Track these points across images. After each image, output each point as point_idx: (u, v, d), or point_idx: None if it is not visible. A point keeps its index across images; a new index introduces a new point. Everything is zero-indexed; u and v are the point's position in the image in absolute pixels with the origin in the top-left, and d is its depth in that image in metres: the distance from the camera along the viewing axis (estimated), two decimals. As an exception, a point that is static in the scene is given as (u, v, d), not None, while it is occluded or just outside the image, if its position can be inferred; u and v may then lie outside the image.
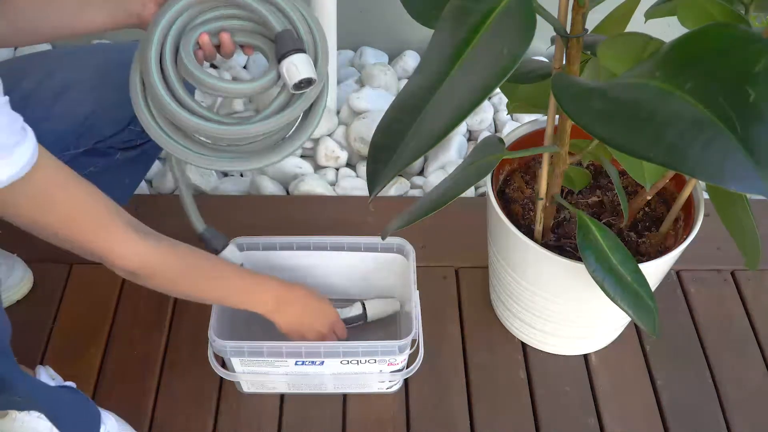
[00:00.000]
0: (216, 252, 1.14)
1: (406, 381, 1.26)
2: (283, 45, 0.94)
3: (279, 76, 0.96)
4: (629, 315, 0.98)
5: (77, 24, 1.05)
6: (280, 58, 0.94)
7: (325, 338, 1.19)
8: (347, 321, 1.24)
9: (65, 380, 1.12)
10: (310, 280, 1.30)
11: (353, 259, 1.28)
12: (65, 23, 1.05)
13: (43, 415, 1.00)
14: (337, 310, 1.22)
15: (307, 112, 1.02)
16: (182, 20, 0.97)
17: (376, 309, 1.27)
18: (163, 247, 1.00)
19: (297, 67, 0.93)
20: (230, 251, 1.15)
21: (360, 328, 1.28)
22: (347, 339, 1.22)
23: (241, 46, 1.02)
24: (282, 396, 1.23)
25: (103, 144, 1.19)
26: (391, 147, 0.79)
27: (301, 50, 0.94)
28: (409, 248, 1.25)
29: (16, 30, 1.05)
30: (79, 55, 1.20)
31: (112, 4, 1.03)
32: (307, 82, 0.95)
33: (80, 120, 1.15)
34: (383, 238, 1.02)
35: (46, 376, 1.09)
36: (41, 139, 1.13)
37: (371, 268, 1.29)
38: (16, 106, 0.90)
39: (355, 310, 1.26)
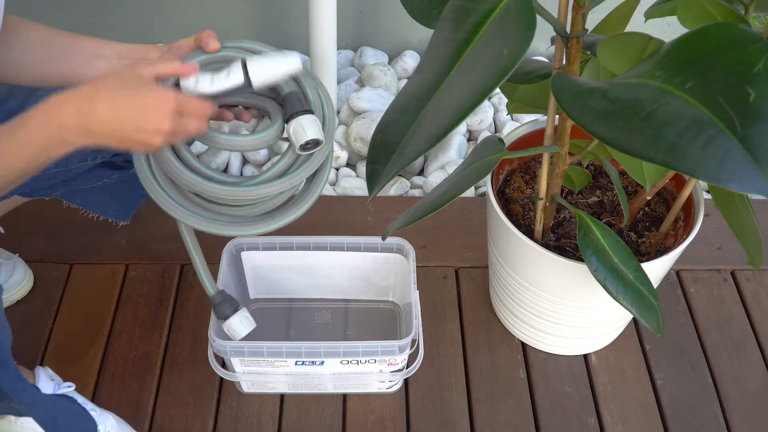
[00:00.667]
0: (224, 318, 1.05)
1: (406, 381, 1.26)
2: (292, 106, 0.94)
3: (282, 130, 0.95)
4: (632, 313, 0.98)
5: (87, 74, 0.99)
6: (287, 119, 0.93)
7: (173, 137, 0.86)
8: (224, 93, 0.92)
9: (65, 380, 1.12)
10: (311, 280, 1.30)
11: (353, 259, 1.28)
12: (74, 70, 1.00)
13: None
14: (198, 78, 0.89)
15: (311, 178, 0.99)
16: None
17: (263, 71, 0.91)
18: None
19: (304, 127, 0.92)
20: (240, 318, 1.05)
21: (359, 329, 1.27)
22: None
23: (246, 108, 1.00)
24: (282, 396, 1.23)
25: (121, 157, 1.19)
26: (391, 147, 0.79)
27: (309, 111, 0.94)
28: (409, 248, 1.25)
29: (22, 66, 0.99)
30: None
31: (127, 61, 1.00)
32: (314, 143, 0.93)
33: None
34: (384, 239, 1.02)
35: (45, 377, 1.09)
36: None
37: (371, 268, 1.29)
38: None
39: (234, 75, 0.91)
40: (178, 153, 0.93)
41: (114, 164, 1.20)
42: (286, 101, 0.94)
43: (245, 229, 0.96)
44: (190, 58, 0.95)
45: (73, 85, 0.84)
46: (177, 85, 0.90)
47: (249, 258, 1.25)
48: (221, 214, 0.97)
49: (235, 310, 1.05)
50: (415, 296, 1.18)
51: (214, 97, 0.91)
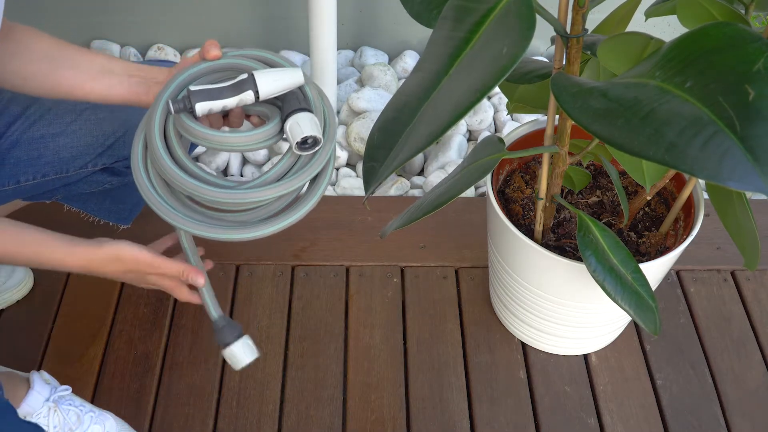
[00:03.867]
0: (225, 345, 1.00)
1: (406, 381, 1.26)
2: (290, 104, 0.92)
3: (281, 128, 0.93)
4: (630, 315, 0.98)
5: (94, 88, 1.01)
6: (285, 117, 0.92)
7: (169, 289, 1.03)
8: (222, 93, 0.91)
9: (65, 381, 1.12)
10: None
11: None
12: (81, 84, 1.01)
13: None
14: (211, 101, 0.91)
15: (312, 180, 0.96)
16: (186, 82, 0.94)
17: (270, 82, 0.92)
18: None
19: (301, 125, 0.90)
20: (243, 345, 1.00)
21: None
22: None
23: (247, 116, 1.00)
24: (282, 396, 1.23)
25: (122, 164, 1.19)
26: (388, 145, 0.79)
27: (308, 110, 0.92)
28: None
29: (26, 75, 1.01)
30: None
31: (136, 79, 1.00)
32: (313, 142, 0.92)
33: (101, 140, 1.14)
34: (382, 238, 1.02)
35: (41, 381, 1.08)
36: (58, 154, 1.13)
37: None
38: (33, 116, 0.90)
39: (245, 94, 0.92)
40: (175, 157, 0.92)
41: (114, 170, 1.20)
42: (284, 100, 0.94)
43: (245, 232, 0.94)
44: (194, 69, 0.95)
45: (78, 98, 0.94)
46: (189, 93, 0.90)
47: None
48: (220, 219, 0.95)
49: (238, 337, 1.00)
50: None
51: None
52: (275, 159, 0.97)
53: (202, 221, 0.94)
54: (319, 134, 0.91)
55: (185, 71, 0.94)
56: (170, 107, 0.90)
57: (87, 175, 1.18)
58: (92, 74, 1.00)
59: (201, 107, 0.90)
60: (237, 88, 0.91)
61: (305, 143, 0.91)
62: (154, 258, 0.99)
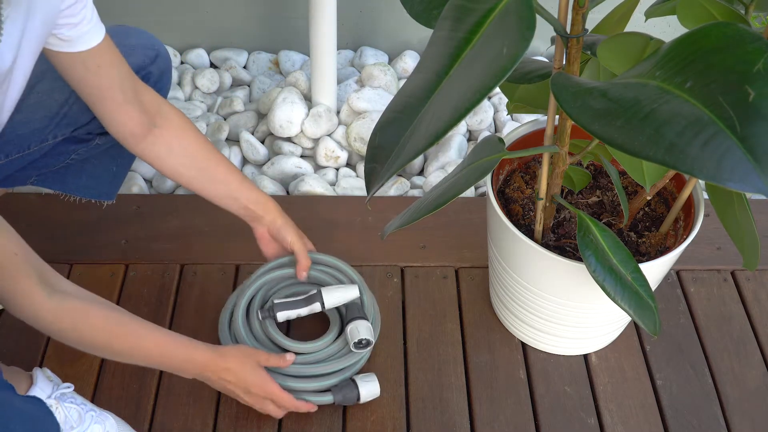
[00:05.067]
0: (357, 400, 1.21)
1: (406, 381, 1.26)
2: (351, 312, 1.23)
3: (339, 334, 1.24)
4: (630, 315, 0.98)
5: (213, 200, 1.24)
6: (347, 322, 1.22)
7: (256, 409, 1.17)
8: (298, 304, 1.23)
9: (65, 380, 1.12)
10: None
11: None
12: (207, 193, 1.23)
13: None
14: (289, 311, 1.23)
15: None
16: (267, 286, 1.29)
17: (333, 298, 1.24)
18: (66, 305, 0.98)
19: (359, 329, 1.20)
20: (367, 386, 1.21)
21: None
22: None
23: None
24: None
25: (82, 130, 1.19)
26: (389, 146, 0.79)
27: (365, 318, 1.22)
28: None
29: (170, 173, 1.21)
30: None
31: (245, 212, 1.24)
32: (366, 343, 1.20)
33: (55, 109, 1.16)
34: (382, 238, 1.02)
35: (43, 378, 1.08)
36: (15, 131, 1.13)
37: None
38: (14, 81, 0.91)
39: (314, 305, 1.24)
40: (253, 329, 1.25)
41: (77, 138, 1.20)
42: (347, 307, 1.25)
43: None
44: (275, 275, 1.29)
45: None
46: (273, 305, 1.24)
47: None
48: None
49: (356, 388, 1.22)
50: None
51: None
52: (328, 339, 1.26)
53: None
54: (372, 338, 1.20)
55: (269, 273, 1.28)
56: (258, 315, 1.24)
57: (50, 148, 1.18)
58: (220, 194, 1.23)
59: (281, 315, 1.23)
60: (308, 301, 1.23)
61: (360, 343, 1.20)
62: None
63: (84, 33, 1.00)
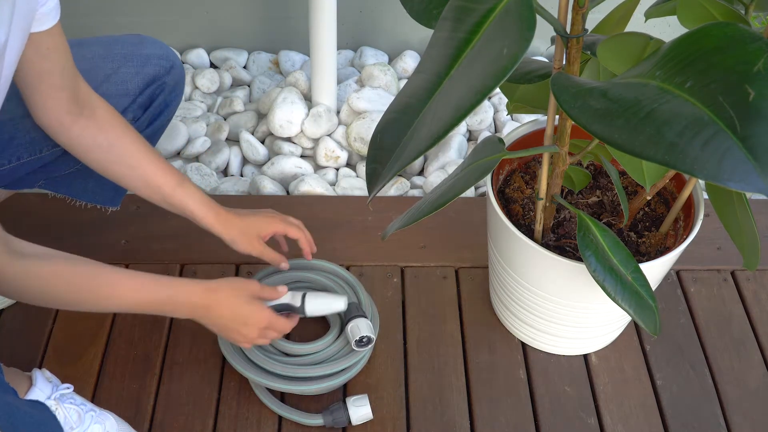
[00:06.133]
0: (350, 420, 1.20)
1: (406, 381, 1.26)
2: (350, 312, 1.23)
3: (340, 334, 1.24)
4: (630, 315, 0.98)
5: (171, 199, 1.16)
6: (346, 322, 1.22)
7: (258, 341, 1.13)
8: (279, 308, 1.17)
9: (65, 381, 1.12)
10: None
11: None
12: (135, 184, 1.16)
13: None
14: (271, 303, 1.16)
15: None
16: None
17: (315, 306, 1.19)
18: (31, 269, 0.95)
19: (359, 327, 1.20)
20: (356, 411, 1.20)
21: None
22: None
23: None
24: (282, 396, 1.23)
25: None
26: (390, 147, 0.79)
27: (364, 316, 1.23)
28: None
29: (103, 167, 1.14)
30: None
31: (189, 213, 1.17)
32: (367, 340, 1.20)
33: None
34: (383, 239, 1.02)
35: (43, 379, 1.08)
36: (29, 135, 1.13)
37: None
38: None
39: (294, 300, 1.18)
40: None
41: None
42: (346, 309, 1.21)
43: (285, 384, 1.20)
44: (272, 275, 1.30)
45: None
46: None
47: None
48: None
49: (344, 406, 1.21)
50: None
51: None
52: (328, 339, 1.25)
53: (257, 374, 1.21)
54: (373, 335, 1.21)
55: (269, 276, 1.29)
56: None
57: (62, 153, 1.17)
58: (158, 201, 1.17)
59: None
60: (289, 308, 1.18)
61: (361, 341, 1.19)
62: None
63: (49, 11, 0.97)
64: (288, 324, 1.14)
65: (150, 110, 1.23)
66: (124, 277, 1.02)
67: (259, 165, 1.70)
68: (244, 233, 1.19)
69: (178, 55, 1.19)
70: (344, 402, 1.19)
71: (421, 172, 1.71)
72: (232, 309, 1.08)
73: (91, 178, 1.26)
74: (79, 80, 1.09)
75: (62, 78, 1.05)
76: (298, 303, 1.17)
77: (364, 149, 1.67)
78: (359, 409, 1.18)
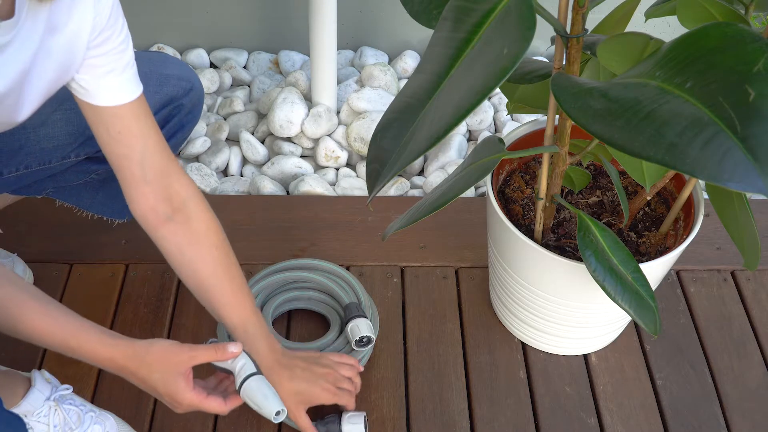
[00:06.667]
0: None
1: (406, 381, 1.26)
2: (350, 312, 1.24)
3: (339, 334, 1.25)
4: (630, 314, 0.98)
5: (232, 335, 1.10)
6: (346, 321, 1.23)
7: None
8: (221, 368, 1.07)
9: (65, 381, 1.12)
10: None
11: None
12: (205, 303, 1.11)
13: None
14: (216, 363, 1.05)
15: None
16: (267, 290, 1.29)
17: (251, 393, 1.06)
18: None
19: (359, 327, 1.21)
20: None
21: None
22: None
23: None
24: (282, 396, 1.23)
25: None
26: (391, 147, 0.79)
27: (364, 316, 1.23)
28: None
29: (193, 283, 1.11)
30: None
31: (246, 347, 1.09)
32: (367, 341, 1.21)
33: (81, 129, 1.14)
34: (383, 239, 1.02)
35: (42, 380, 1.08)
36: (39, 145, 1.13)
37: None
38: (11, 107, 0.89)
39: (233, 368, 1.06)
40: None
41: (99, 159, 1.17)
42: (346, 309, 1.25)
43: None
44: (271, 275, 1.30)
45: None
46: None
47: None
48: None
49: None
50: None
51: None
52: (329, 338, 1.26)
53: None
54: (373, 335, 1.22)
55: (270, 276, 1.30)
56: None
57: (71, 165, 1.17)
58: (223, 323, 1.10)
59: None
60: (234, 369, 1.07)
61: (361, 341, 1.21)
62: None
63: (108, 85, 0.91)
64: (221, 407, 1.02)
65: (164, 131, 1.21)
66: (45, 317, 0.94)
67: (259, 165, 1.70)
68: (290, 397, 1.10)
69: (199, 78, 1.17)
70: (339, 416, 1.16)
71: (421, 172, 1.71)
72: (156, 383, 0.97)
73: (101, 191, 1.26)
74: (171, 178, 1.01)
75: (143, 170, 0.97)
76: (236, 373, 1.05)
77: (364, 149, 1.67)
78: (353, 427, 1.15)
